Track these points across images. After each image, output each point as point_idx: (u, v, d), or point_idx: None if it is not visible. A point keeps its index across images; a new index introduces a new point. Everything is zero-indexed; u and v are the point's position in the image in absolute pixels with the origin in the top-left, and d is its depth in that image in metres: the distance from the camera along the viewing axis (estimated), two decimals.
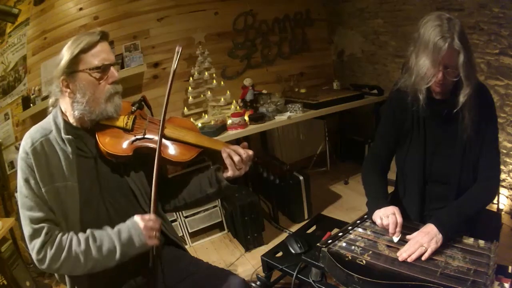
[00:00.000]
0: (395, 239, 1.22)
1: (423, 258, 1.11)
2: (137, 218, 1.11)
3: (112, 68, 1.14)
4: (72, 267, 1.06)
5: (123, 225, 1.11)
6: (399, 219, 1.23)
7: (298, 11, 3.54)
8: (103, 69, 1.11)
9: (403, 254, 1.13)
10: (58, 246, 1.04)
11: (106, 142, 1.14)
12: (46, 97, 2.53)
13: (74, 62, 1.08)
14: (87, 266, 1.06)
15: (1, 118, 2.67)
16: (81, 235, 1.07)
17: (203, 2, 3.12)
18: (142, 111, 1.28)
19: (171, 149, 1.23)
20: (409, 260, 1.11)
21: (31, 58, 2.67)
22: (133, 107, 1.24)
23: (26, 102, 2.61)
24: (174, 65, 1.20)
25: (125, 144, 1.17)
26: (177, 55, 1.20)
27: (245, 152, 1.20)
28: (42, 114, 2.48)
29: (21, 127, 2.68)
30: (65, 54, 1.09)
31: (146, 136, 1.20)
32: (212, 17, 3.17)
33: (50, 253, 1.04)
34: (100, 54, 1.11)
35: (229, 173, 1.22)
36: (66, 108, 1.15)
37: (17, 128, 2.69)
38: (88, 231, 1.09)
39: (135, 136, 1.19)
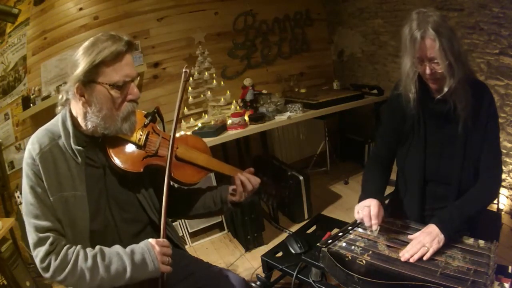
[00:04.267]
0: (374, 231, 1.23)
1: (425, 258, 1.11)
2: (152, 240, 1.06)
3: (132, 84, 1.07)
4: (77, 281, 1.00)
5: (137, 246, 1.05)
6: (373, 211, 1.22)
7: (298, 11, 3.53)
8: (124, 86, 1.04)
9: (405, 254, 1.13)
10: (63, 258, 0.99)
11: (117, 157, 1.11)
12: (46, 97, 2.57)
13: (93, 72, 0.99)
14: (94, 283, 1.00)
15: (1, 118, 2.67)
16: (89, 251, 1.02)
17: (203, 2, 3.12)
18: (154, 125, 1.24)
19: (181, 171, 1.22)
20: (411, 260, 1.11)
21: (31, 58, 2.66)
22: (147, 120, 1.16)
23: (26, 102, 2.61)
24: (181, 88, 1.16)
25: (136, 160, 1.14)
26: (185, 77, 1.18)
27: (254, 182, 1.23)
28: (42, 114, 2.52)
29: (21, 127, 2.68)
30: (84, 58, 0.99)
31: (158, 154, 1.19)
32: (212, 17, 3.17)
33: (54, 264, 0.99)
34: (123, 69, 1.03)
35: (236, 198, 1.24)
36: (78, 113, 1.07)
37: (17, 128, 2.69)
38: (97, 247, 1.03)
39: (146, 153, 1.17)
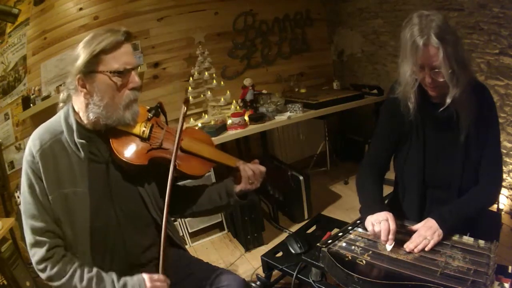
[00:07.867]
0: (388, 247, 1.17)
1: (427, 249, 1.14)
2: (145, 276, 1.07)
3: (133, 73, 1.08)
4: None
5: (130, 280, 1.06)
6: (392, 226, 1.17)
7: (298, 11, 3.54)
8: (124, 73, 1.05)
9: (410, 245, 1.16)
10: (59, 272, 1.02)
11: (121, 150, 1.10)
12: (46, 97, 2.57)
13: (94, 61, 1.01)
14: None
15: (1, 118, 2.67)
16: (87, 272, 1.04)
17: (203, 2, 3.12)
18: (158, 119, 1.23)
19: (187, 163, 1.20)
20: (415, 251, 1.14)
21: (31, 58, 2.67)
22: (150, 114, 1.17)
23: (26, 102, 2.61)
24: (180, 120, 1.17)
25: (140, 153, 1.13)
26: (184, 112, 1.18)
27: (258, 168, 1.22)
28: (42, 114, 2.52)
29: (21, 127, 2.68)
30: (84, 50, 1.01)
31: (163, 146, 1.17)
32: (212, 17, 3.17)
33: (49, 271, 1.02)
34: (122, 57, 1.04)
35: (241, 186, 1.23)
36: (80, 107, 1.07)
37: (17, 128, 2.69)
38: (95, 271, 1.05)
39: (151, 145, 1.16)
